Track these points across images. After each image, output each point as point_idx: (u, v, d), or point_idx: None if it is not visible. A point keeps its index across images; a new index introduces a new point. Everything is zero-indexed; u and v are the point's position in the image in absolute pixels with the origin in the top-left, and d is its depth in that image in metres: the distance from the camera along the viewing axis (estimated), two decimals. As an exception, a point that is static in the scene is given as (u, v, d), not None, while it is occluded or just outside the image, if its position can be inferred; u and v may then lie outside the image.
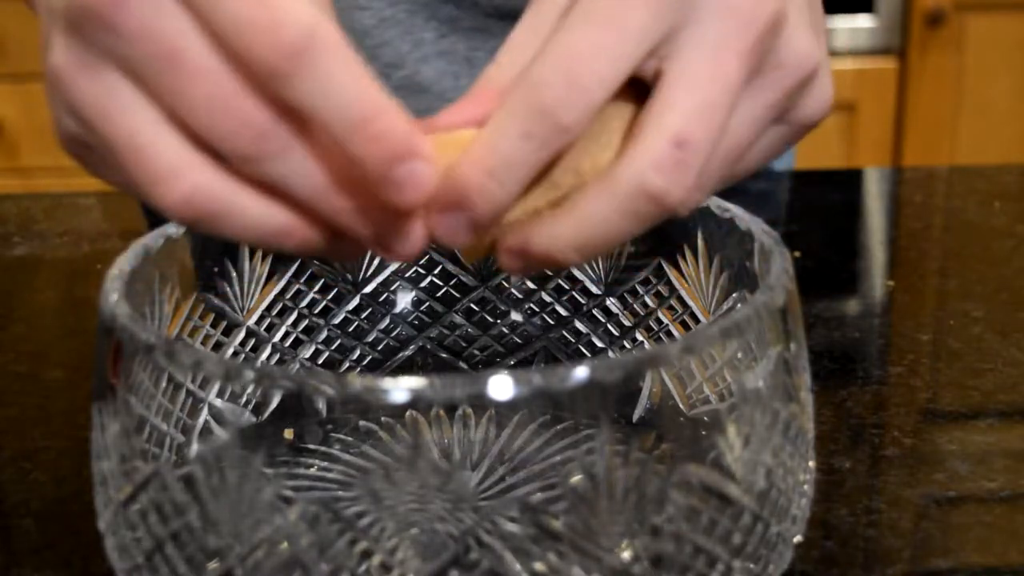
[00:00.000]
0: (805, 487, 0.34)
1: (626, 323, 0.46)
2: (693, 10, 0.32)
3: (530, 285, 0.47)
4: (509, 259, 0.33)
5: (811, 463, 0.35)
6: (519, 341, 0.48)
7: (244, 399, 0.42)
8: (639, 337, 0.45)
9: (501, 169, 0.31)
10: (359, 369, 0.47)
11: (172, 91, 0.30)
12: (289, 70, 0.28)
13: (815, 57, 0.34)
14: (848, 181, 0.82)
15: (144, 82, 0.30)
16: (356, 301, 0.47)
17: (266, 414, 0.43)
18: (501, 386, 0.28)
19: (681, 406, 0.42)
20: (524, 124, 0.31)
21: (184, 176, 0.30)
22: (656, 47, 0.32)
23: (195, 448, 0.39)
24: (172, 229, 0.39)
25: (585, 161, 0.33)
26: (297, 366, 0.46)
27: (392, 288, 0.47)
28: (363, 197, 0.31)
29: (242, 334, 0.44)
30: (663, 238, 0.43)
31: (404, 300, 0.47)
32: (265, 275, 0.44)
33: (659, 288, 0.44)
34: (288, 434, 0.44)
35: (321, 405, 0.43)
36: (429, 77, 0.63)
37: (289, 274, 0.45)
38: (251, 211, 0.30)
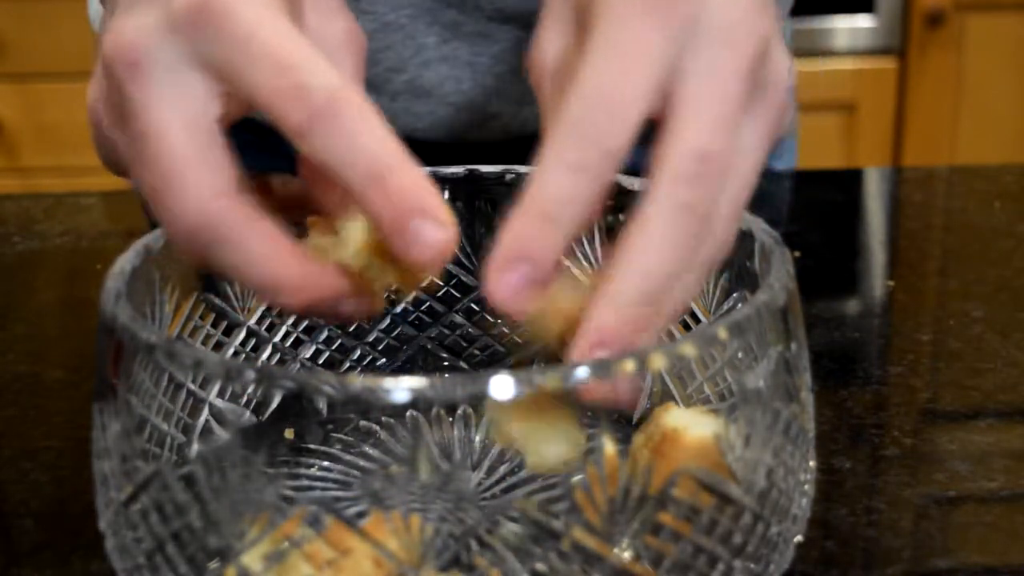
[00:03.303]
0: (806, 487, 0.34)
1: (626, 323, 0.46)
2: (695, 36, 0.33)
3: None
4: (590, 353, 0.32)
5: (812, 463, 0.35)
6: (519, 341, 0.48)
7: (245, 399, 0.42)
8: (639, 337, 0.45)
9: (556, 209, 0.31)
10: (359, 369, 0.47)
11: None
12: (311, 129, 0.31)
13: (789, 71, 0.36)
14: (848, 181, 0.82)
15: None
16: (356, 301, 0.47)
17: (267, 414, 0.43)
18: (501, 386, 0.28)
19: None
20: (575, 157, 0.31)
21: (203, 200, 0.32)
22: (670, 72, 0.32)
23: (196, 448, 0.39)
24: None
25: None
26: (297, 366, 0.46)
27: (392, 288, 0.47)
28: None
29: (243, 334, 0.44)
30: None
31: (404, 300, 0.47)
32: (265, 275, 0.44)
33: (659, 288, 0.44)
34: (289, 434, 0.44)
35: (322, 405, 0.44)
36: (431, 81, 0.63)
37: (289, 274, 0.45)
38: (254, 251, 0.32)
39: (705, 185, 0.32)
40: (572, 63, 0.33)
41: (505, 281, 0.31)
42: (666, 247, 0.31)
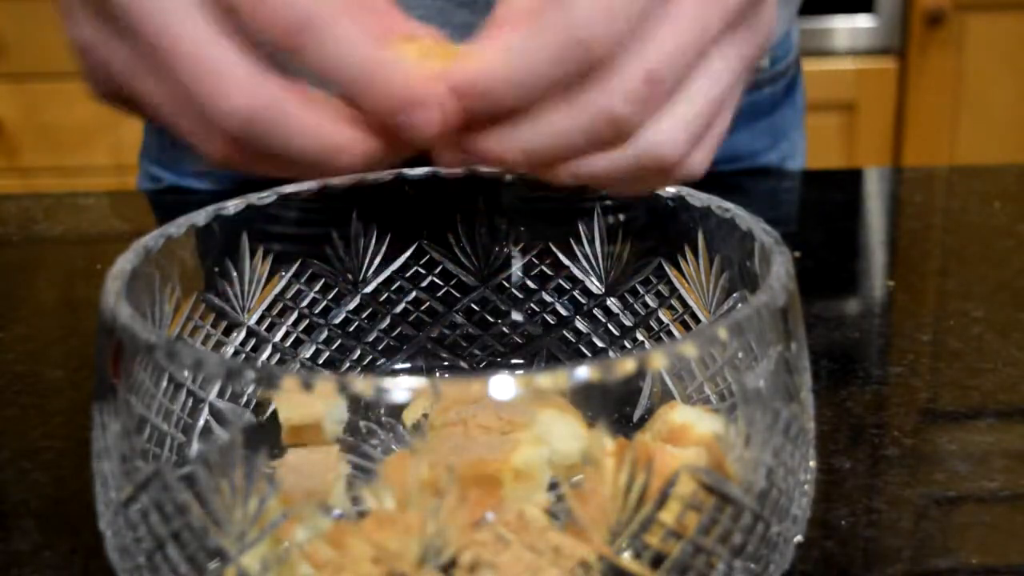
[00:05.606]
0: (806, 487, 0.34)
1: (626, 323, 0.46)
2: None
3: (531, 285, 0.47)
4: (451, 151, 0.35)
5: (812, 463, 0.35)
6: (519, 341, 0.48)
7: (245, 399, 0.42)
8: (639, 337, 0.45)
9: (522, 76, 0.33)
10: (359, 369, 0.47)
11: None
12: (296, 46, 0.32)
13: (776, 30, 0.38)
14: (848, 181, 0.82)
15: None
16: (356, 301, 0.47)
17: (267, 414, 0.43)
18: (501, 386, 0.28)
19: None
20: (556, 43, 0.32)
21: (245, 88, 0.32)
22: None
23: (196, 448, 0.39)
24: (172, 229, 0.39)
25: None
26: (297, 366, 0.46)
27: (392, 288, 0.47)
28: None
29: (242, 334, 0.44)
30: (664, 238, 0.43)
31: (404, 300, 0.47)
32: (265, 275, 0.44)
33: (659, 288, 0.44)
34: (288, 434, 0.44)
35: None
36: None
37: (289, 274, 0.45)
38: (307, 122, 0.32)
39: (643, 106, 0.33)
40: None
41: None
42: (568, 144, 0.34)
